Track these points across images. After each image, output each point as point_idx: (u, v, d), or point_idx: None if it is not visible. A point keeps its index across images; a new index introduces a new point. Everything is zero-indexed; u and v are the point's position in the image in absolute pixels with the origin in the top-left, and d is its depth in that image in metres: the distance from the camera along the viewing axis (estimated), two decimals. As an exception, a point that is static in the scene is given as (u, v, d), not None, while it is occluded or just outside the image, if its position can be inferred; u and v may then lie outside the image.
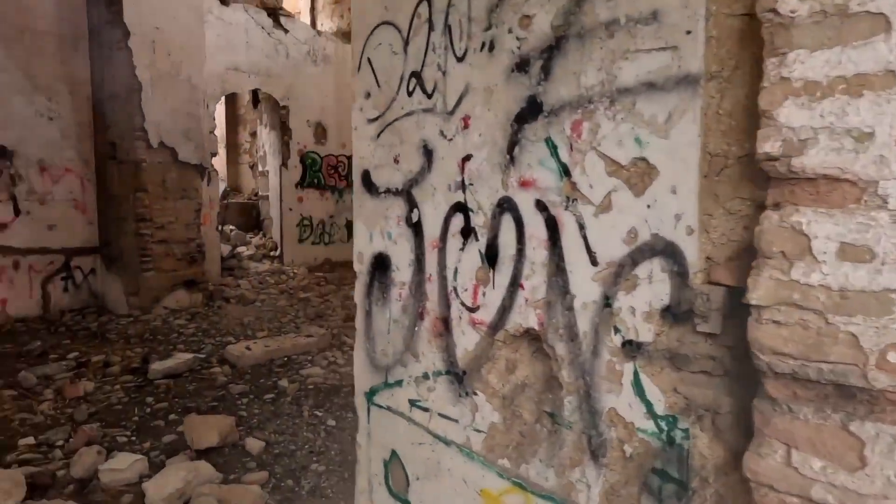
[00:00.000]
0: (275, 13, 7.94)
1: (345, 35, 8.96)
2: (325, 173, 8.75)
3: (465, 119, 1.37)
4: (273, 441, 3.32)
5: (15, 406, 3.74)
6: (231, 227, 8.98)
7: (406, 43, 1.52)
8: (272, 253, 8.54)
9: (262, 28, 7.79)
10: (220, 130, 9.68)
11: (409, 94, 1.52)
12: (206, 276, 6.73)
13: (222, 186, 9.31)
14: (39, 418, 3.57)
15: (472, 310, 1.38)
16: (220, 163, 9.18)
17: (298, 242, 8.47)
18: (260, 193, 9.49)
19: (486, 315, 1.34)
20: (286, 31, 8.07)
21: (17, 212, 5.94)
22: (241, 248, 8.34)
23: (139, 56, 5.89)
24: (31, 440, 3.27)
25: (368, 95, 1.63)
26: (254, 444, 3.21)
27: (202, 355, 4.70)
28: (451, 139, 1.41)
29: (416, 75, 1.49)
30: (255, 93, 9.38)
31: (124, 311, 6.08)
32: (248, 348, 4.70)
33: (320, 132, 8.64)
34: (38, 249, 6.08)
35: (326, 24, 9.23)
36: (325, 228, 8.80)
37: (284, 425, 3.53)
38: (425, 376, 1.52)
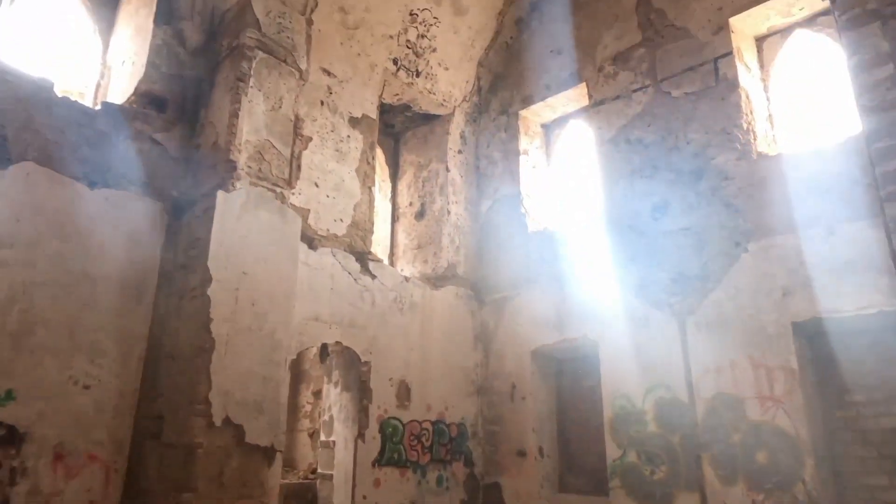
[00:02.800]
0: (363, 257, 6.99)
1: (429, 281, 7.96)
2: (406, 445, 6.91)
3: None
4: None
5: None
6: (281, 521, 6.83)
7: None
8: (334, 562, 6.25)
9: (349, 273, 6.75)
10: (278, 389, 8.11)
11: None
12: None
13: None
14: None
15: None
16: (273, 430, 7.41)
17: (371, 545, 6.25)
18: (319, 471, 7.52)
19: None
20: (374, 276, 7.03)
21: (3, 527, 4.07)
22: (294, 557, 6.11)
23: (218, 307, 4.63)
24: None
25: None
26: None
27: None
28: None
29: None
30: (323, 345, 8.05)
31: None
32: None
33: (403, 392, 7.05)
34: (18, 587, 4.05)
35: (407, 269, 8.33)
36: (403, 522, 6.63)
37: None
38: None
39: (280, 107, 5.56)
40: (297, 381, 9.38)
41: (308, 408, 8.88)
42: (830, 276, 5.46)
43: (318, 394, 8.69)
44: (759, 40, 6.90)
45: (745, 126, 6.34)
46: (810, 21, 6.56)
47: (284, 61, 5.67)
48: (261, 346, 4.83)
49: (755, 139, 6.36)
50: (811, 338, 5.75)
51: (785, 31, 6.73)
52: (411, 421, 7.04)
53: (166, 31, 5.67)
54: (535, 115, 8.66)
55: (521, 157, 8.48)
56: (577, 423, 7.55)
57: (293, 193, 5.97)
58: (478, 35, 8.54)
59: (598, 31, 7.87)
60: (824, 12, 6.46)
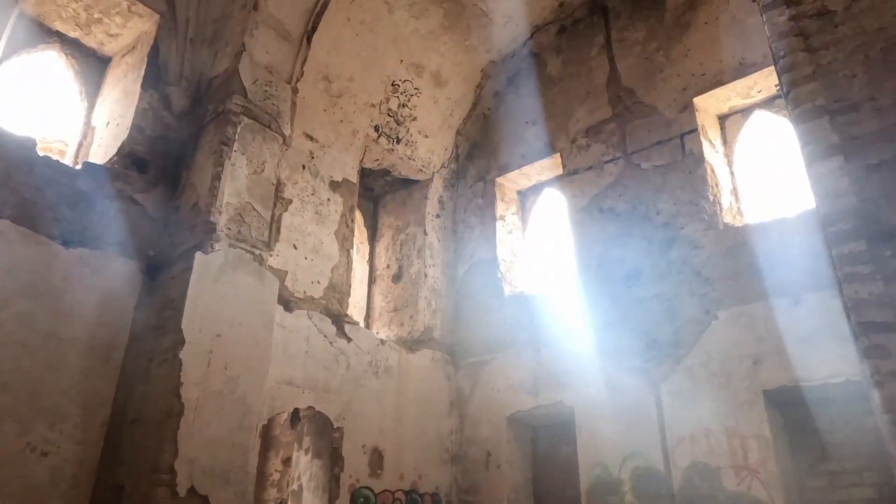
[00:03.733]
0: (339, 320, 6.95)
1: (405, 344, 7.90)
2: (377, 517, 6.65)
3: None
4: None
5: None
6: None
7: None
8: None
9: (325, 336, 6.69)
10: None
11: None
12: None
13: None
14: None
15: None
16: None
17: None
18: (286, 545, 7.16)
19: None
20: (349, 339, 6.97)
21: None
22: None
23: (189, 370, 4.53)
24: None
25: None
26: None
27: None
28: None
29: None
30: (295, 410, 7.84)
31: None
32: None
33: (376, 460, 6.85)
34: None
35: (383, 332, 8.28)
36: None
37: None
38: None
39: (262, 170, 5.65)
40: (266, 447, 9.03)
41: (276, 476, 8.53)
42: (798, 345, 5.59)
43: (287, 461, 8.37)
44: (722, 119, 7.32)
45: (711, 198, 6.62)
46: (768, 103, 7.01)
47: (269, 127, 5.82)
48: (231, 412, 4.71)
49: (721, 211, 6.64)
50: (783, 406, 5.83)
51: (745, 111, 7.16)
52: (384, 491, 6.81)
53: (153, 95, 5.80)
54: (512, 182, 8.92)
55: (498, 223, 8.66)
56: (553, 493, 7.39)
57: (272, 255, 5.98)
58: (457, 105, 8.88)
59: (571, 105, 8.26)
60: (780, 95, 6.92)
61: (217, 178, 5.20)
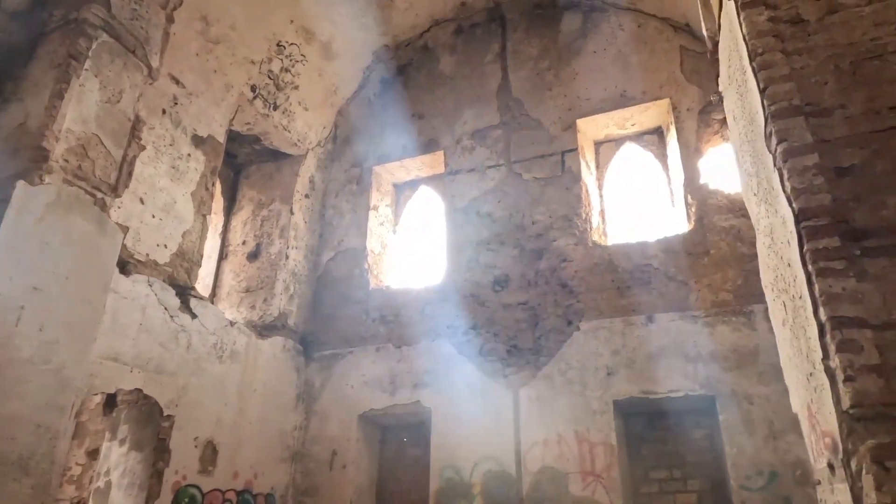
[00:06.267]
0: (185, 293, 6.05)
1: (255, 329, 7.15)
2: (203, 520, 5.83)
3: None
4: None
5: None
6: None
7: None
8: None
9: (166, 309, 5.76)
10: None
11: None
12: None
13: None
14: None
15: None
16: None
17: None
18: (79, 553, 5.95)
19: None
20: (194, 315, 6.09)
21: None
22: None
23: (-11, 327, 3.52)
24: None
25: None
26: None
27: None
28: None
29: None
30: (111, 395, 6.65)
31: None
32: None
33: (209, 455, 6.03)
34: None
35: (230, 313, 7.39)
36: None
37: None
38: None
39: (119, 101, 4.71)
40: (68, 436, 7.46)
41: (77, 471, 7.12)
42: (647, 360, 6.01)
43: (94, 454, 7.04)
44: (598, 144, 7.76)
45: (583, 216, 6.94)
46: (638, 137, 7.57)
47: (133, 52, 4.88)
48: (42, 385, 3.74)
49: (591, 229, 6.98)
50: (627, 416, 6.21)
51: (618, 141, 7.67)
52: (213, 490, 6.00)
53: (-23, -18, 4.57)
54: (389, 173, 8.62)
55: (371, 213, 8.28)
56: (398, 496, 7.12)
57: (114, 207, 5.00)
58: (342, 83, 8.39)
59: (461, 106, 8.21)
60: (650, 132, 7.52)
61: (59, 96, 4.20)
